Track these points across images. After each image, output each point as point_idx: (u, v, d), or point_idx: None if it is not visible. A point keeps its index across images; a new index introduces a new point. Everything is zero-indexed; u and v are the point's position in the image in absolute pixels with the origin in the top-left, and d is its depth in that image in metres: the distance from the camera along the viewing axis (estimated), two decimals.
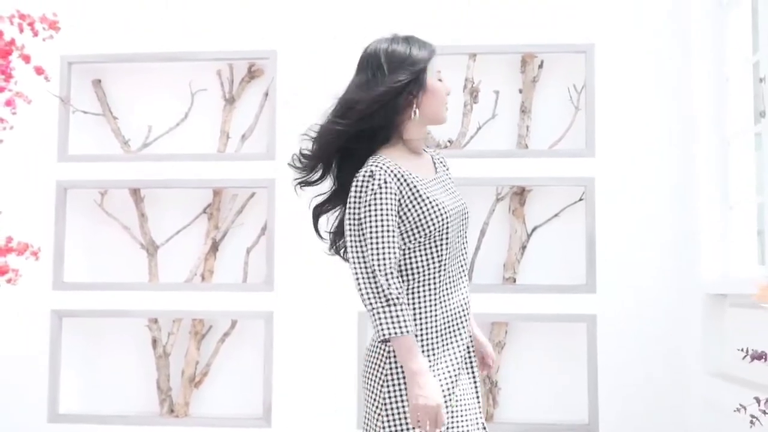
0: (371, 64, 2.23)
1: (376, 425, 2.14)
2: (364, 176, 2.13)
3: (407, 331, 2.05)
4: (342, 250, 2.38)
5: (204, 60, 4.30)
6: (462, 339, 2.24)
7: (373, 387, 2.16)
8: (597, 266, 4.00)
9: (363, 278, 2.10)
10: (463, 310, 2.25)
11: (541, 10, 4.14)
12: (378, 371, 2.16)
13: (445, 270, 2.20)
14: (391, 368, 2.14)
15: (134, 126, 4.38)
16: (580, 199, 4.11)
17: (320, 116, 2.27)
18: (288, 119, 4.18)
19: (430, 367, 2.13)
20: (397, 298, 2.06)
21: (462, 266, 2.28)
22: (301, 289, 4.13)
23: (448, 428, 2.13)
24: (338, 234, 2.37)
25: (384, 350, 2.15)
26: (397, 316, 2.05)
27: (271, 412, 4.09)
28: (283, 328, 4.13)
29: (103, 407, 4.30)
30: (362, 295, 2.09)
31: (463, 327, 2.25)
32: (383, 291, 2.06)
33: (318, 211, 2.39)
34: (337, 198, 2.32)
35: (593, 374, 3.96)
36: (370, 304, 2.07)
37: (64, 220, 4.26)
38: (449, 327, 2.21)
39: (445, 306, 2.20)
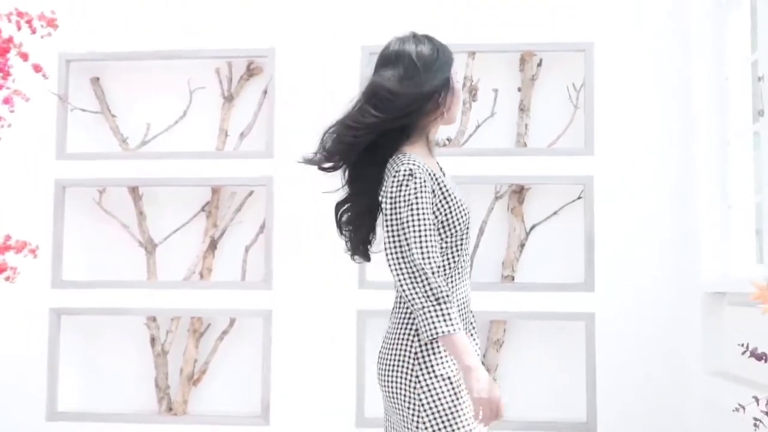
0: (402, 61, 2.21)
1: (417, 429, 2.12)
2: (404, 175, 2.10)
3: (459, 328, 2.04)
4: (362, 250, 2.33)
5: (203, 58, 4.29)
6: (473, 332, 2.27)
7: (405, 392, 2.13)
8: (595, 264, 4.00)
9: (409, 278, 2.06)
10: (469, 304, 2.28)
11: (540, 9, 4.14)
12: (407, 375, 2.13)
13: (461, 266, 2.22)
14: (421, 369, 2.12)
15: (133, 124, 4.38)
16: (579, 198, 4.11)
17: (343, 108, 2.23)
18: (287, 117, 4.18)
19: (449, 362, 2.13)
20: (447, 296, 2.04)
21: (469, 262, 2.30)
22: (300, 288, 4.13)
23: (461, 424, 2.12)
24: (357, 231, 2.32)
25: (411, 352, 2.13)
26: (448, 314, 2.03)
27: (269, 410, 4.09)
28: (282, 326, 4.13)
29: (102, 405, 4.30)
30: (409, 294, 2.05)
31: (472, 320, 2.28)
32: (432, 290, 2.04)
33: (340, 209, 2.36)
34: (361, 195, 2.28)
35: (591, 372, 3.96)
36: (420, 303, 2.04)
37: (63, 219, 4.26)
38: (462, 321, 2.22)
39: (460, 301, 2.22)
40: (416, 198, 2.08)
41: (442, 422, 2.10)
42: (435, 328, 2.02)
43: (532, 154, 4.09)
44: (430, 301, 2.03)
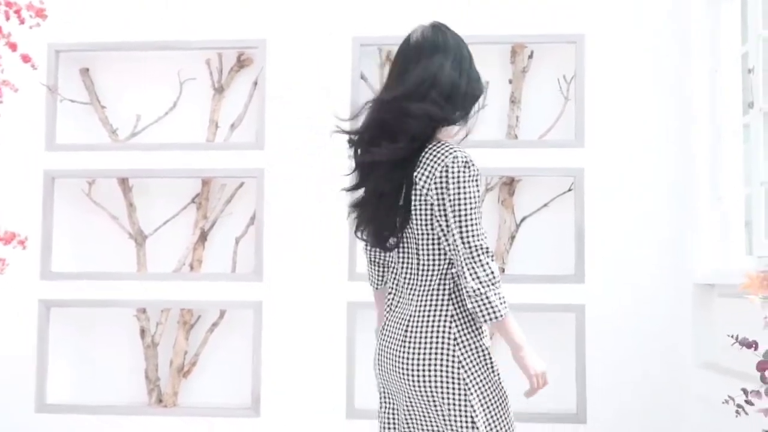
0: (449, 51, 2.27)
1: (465, 413, 2.15)
2: (463, 162, 2.13)
3: (509, 309, 2.13)
4: (383, 239, 2.28)
5: (193, 49, 4.27)
6: None
7: (448, 378, 2.15)
8: (586, 256, 4.00)
9: (472, 262, 2.10)
10: None
11: (531, 1, 4.13)
12: (449, 361, 2.16)
13: None
14: (463, 353, 2.17)
15: (122, 115, 4.36)
16: (569, 190, 4.11)
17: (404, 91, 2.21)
18: (277, 109, 4.17)
19: (484, 342, 2.22)
20: (500, 280, 2.12)
21: None
22: (290, 279, 4.13)
23: (504, 398, 2.26)
24: (381, 219, 2.26)
25: (450, 337, 2.16)
26: (503, 296, 2.12)
27: (259, 402, 4.09)
28: (272, 317, 4.12)
29: (91, 397, 4.29)
30: (472, 277, 2.09)
31: None
32: (492, 273, 2.10)
33: (356, 201, 2.34)
34: (388, 181, 2.23)
35: (581, 364, 3.98)
36: (483, 287, 2.09)
37: (52, 210, 4.24)
38: None
39: None
40: (476, 185, 2.14)
41: (488, 400, 2.19)
42: (498, 310, 2.10)
43: (523, 146, 4.09)
44: (491, 285, 2.10)
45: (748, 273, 2.08)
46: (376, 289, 2.49)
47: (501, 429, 2.22)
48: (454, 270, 2.18)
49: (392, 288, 2.33)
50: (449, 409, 2.15)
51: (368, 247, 2.43)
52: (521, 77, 4.19)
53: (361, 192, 2.32)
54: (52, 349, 4.23)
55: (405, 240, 2.24)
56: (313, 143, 4.12)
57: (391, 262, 2.34)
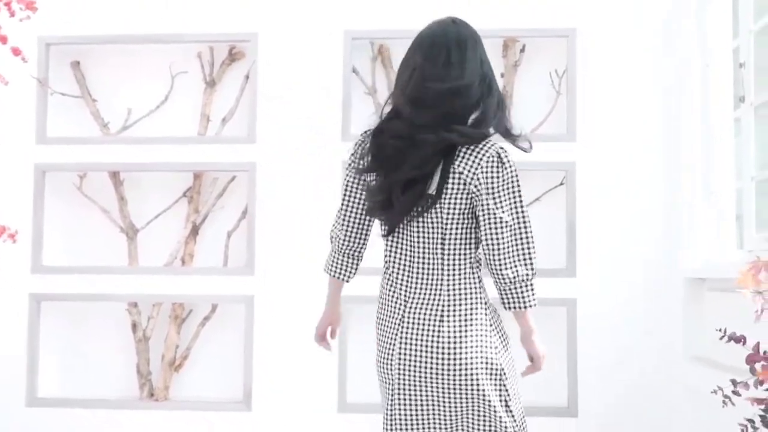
0: (478, 48, 2.27)
1: (501, 397, 2.22)
2: (507, 155, 2.20)
3: None
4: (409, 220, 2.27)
5: (184, 42, 4.26)
6: None
7: (489, 363, 2.22)
8: (577, 250, 4.01)
9: (529, 248, 2.22)
10: None
11: None
12: (490, 346, 2.22)
13: None
14: (499, 338, 2.26)
15: (114, 108, 4.35)
16: (561, 184, 4.12)
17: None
18: (269, 102, 4.16)
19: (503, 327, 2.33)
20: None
21: None
22: (282, 273, 4.12)
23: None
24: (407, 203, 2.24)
25: (487, 323, 2.24)
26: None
27: (251, 396, 4.09)
28: (264, 312, 4.12)
29: (83, 391, 4.28)
30: (521, 265, 2.21)
31: None
32: (535, 265, 2.22)
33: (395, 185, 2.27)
34: (423, 168, 2.21)
35: (573, 357, 3.99)
36: (528, 275, 2.23)
37: (43, 203, 4.23)
38: None
39: None
40: (519, 177, 2.23)
41: (515, 383, 2.28)
42: (535, 298, 2.25)
43: None
44: (532, 276, 2.22)
45: (742, 269, 2.09)
46: (346, 281, 2.49)
47: (522, 412, 2.30)
48: (489, 256, 2.22)
49: (401, 279, 2.31)
50: (490, 395, 2.19)
51: (347, 240, 2.40)
52: (513, 71, 4.19)
53: (370, 178, 2.32)
54: (43, 343, 4.22)
55: (423, 229, 2.25)
56: (307, 137, 4.11)
57: (396, 254, 2.32)
